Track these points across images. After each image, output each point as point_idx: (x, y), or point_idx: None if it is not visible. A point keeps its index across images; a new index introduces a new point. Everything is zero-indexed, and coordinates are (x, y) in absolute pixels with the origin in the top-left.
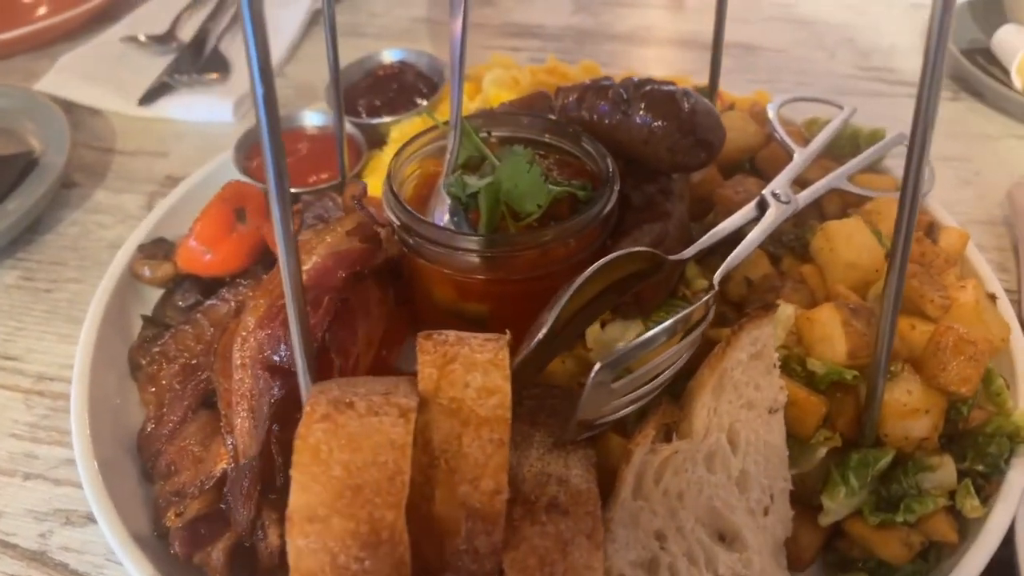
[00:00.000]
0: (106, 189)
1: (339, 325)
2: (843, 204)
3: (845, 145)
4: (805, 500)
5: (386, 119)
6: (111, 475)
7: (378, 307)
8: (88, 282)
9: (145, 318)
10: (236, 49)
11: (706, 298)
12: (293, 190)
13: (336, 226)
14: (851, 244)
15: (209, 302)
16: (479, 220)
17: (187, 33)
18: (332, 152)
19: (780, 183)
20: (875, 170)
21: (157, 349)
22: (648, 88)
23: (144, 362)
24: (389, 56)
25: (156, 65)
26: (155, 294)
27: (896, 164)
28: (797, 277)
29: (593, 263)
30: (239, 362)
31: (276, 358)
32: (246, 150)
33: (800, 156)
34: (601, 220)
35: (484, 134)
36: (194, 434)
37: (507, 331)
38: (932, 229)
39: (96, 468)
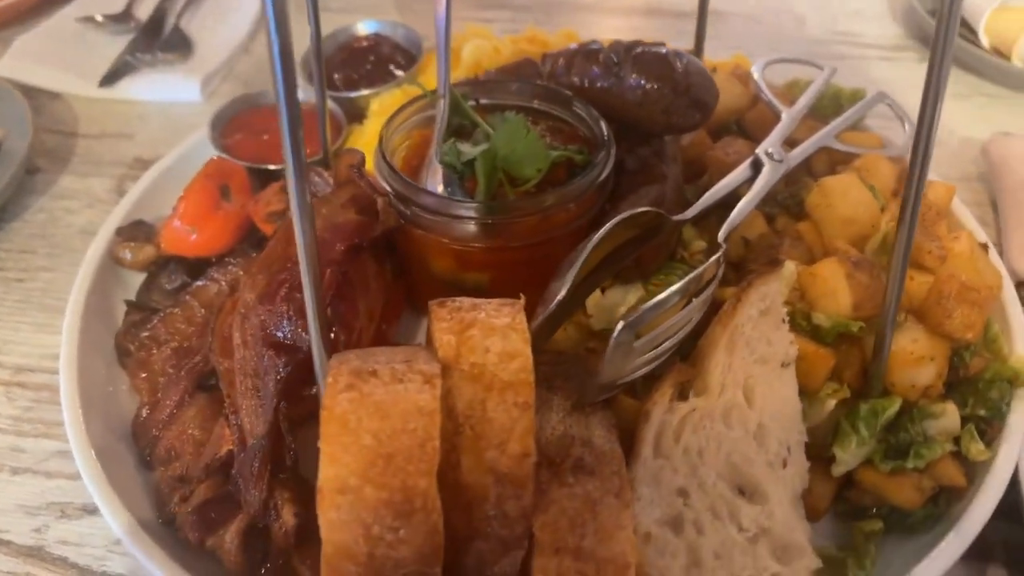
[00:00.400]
0: (72, 174)
1: (340, 299)
2: (831, 162)
3: (828, 105)
4: (816, 452)
5: (365, 92)
6: (109, 464)
7: (376, 280)
8: (61, 270)
9: (129, 303)
10: (196, 26)
11: (716, 256)
12: (273, 167)
13: (331, 198)
14: (847, 199)
15: (198, 283)
16: (475, 188)
17: (144, 12)
18: (311, 128)
19: (772, 142)
20: (857, 128)
21: (146, 334)
22: (639, 51)
23: (133, 348)
24: (364, 28)
25: (114, 45)
26: (135, 278)
27: (876, 123)
28: (794, 235)
29: (592, 228)
30: (240, 340)
31: (279, 334)
32: (221, 127)
33: (788, 116)
34: (600, 184)
35: (472, 102)
36: (193, 418)
37: (521, 296)
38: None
39: (94, 458)
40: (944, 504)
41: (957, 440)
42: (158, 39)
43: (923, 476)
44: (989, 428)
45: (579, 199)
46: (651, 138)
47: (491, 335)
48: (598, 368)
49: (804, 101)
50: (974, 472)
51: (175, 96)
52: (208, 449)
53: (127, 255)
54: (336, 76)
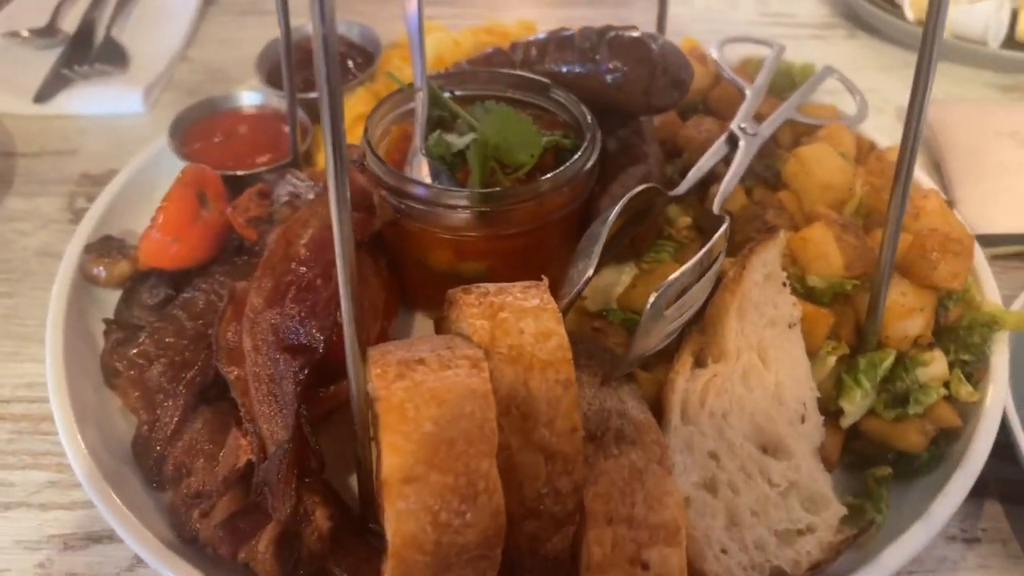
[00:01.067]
0: (17, 195)
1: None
2: (794, 135)
3: (781, 81)
4: (822, 407)
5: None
6: (120, 489)
7: (375, 278)
8: (22, 295)
9: (108, 322)
10: (129, 35)
11: (723, 228)
12: (240, 172)
13: (324, 197)
14: (824, 166)
15: (184, 295)
16: (465, 179)
17: (70, 24)
18: (274, 132)
19: (743, 117)
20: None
21: (135, 351)
22: (613, 35)
23: (121, 367)
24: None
25: (44, 60)
26: (109, 296)
27: (821, 97)
28: (776, 204)
29: (582, 213)
30: (251, 346)
31: (292, 337)
32: (180, 135)
33: (752, 92)
34: (591, 167)
35: (447, 94)
36: (200, 431)
37: (543, 277)
38: (873, 149)
39: (106, 484)
40: (944, 445)
41: (946, 385)
42: (91, 50)
43: (924, 421)
44: (975, 372)
45: (572, 183)
46: (629, 120)
47: (524, 317)
48: (627, 342)
49: (763, 77)
50: (967, 414)
51: (116, 108)
52: (223, 461)
53: (100, 272)
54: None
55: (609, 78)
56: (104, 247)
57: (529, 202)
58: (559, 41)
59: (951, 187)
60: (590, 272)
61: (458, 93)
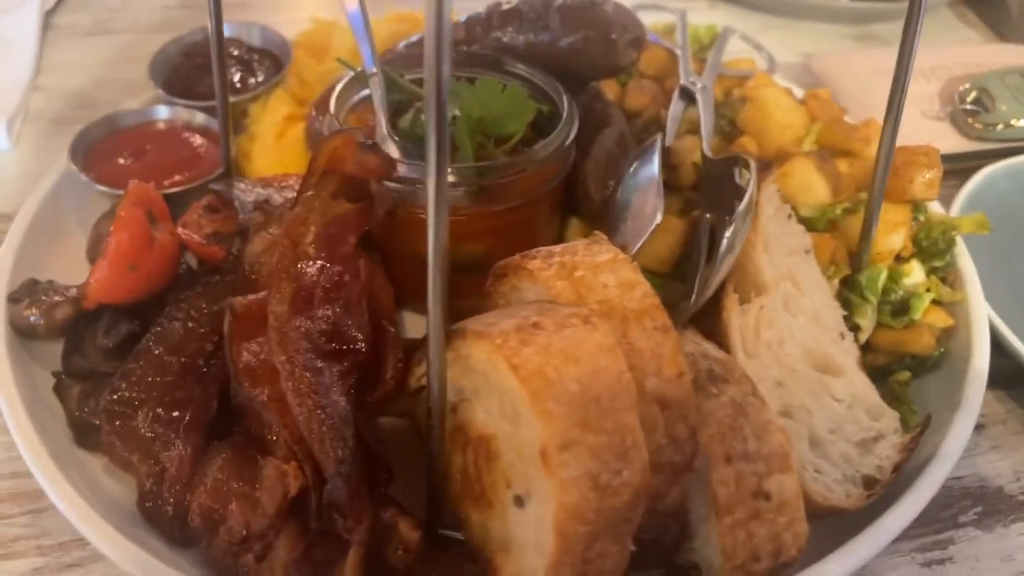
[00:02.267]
0: None
1: (372, 293)
2: (723, 88)
3: (691, 42)
4: None
5: (245, 96)
6: (160, 557)
7: (378, 271)
8: None
9: (60, 375)
10: None
11: (754, 171)
12: (175, 189)
13: (318, 191)
14: (781, 108)
15: (156, 329)
16: (451, 156)
17: None
18: (188, 145)
19: (687, 74)
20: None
21: (111, 400)
22: (560, 2)
23: (100, 421)
24: (201, 34)
25: None
26: (44, 348)
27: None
28: (741, 149)
29: (565, 183)
30: (285, 359)
31: (331, 342)
32: (83, 158)
33: (682, 52)
34: (575, 134)
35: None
36: (223, 471)
37: (595, 231)
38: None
39: (142, 555)
40: (945, 344)
41: (927, 291)
42: None
43: (926, 324)
44: (946, 276)
45: (563, 150)
46: (582, 86)
47: (601, 271)
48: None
49: (682, 38)
50: (955, 313)
51: None
52: (267, 496)
53: (38, 320)
54: (200, 87)
55: (567, 44)
56: (32, 292)
57: (525, 173)
58: (503, 15)
59: None
60: (658, 218)
61: (409, 76)
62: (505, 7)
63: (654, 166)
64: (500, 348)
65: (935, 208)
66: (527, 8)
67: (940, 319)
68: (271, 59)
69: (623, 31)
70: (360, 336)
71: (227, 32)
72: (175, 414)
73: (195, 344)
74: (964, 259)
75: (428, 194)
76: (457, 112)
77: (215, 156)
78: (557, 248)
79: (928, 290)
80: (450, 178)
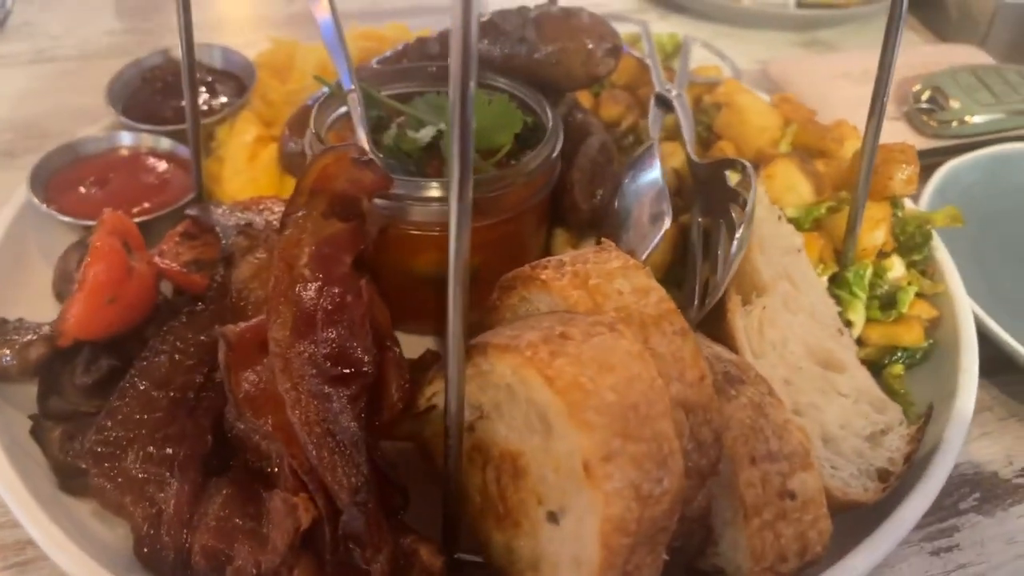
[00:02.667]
0: None
1: (373, 314)
2: (692, 96)
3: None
4: None
5: (211, 119)
6: None
7: (377, 296)
8: None
9: (37, 418)
10: None
11: (750, 167)
12: (145, 217)
13: (309, 211)
14: (756, 111)
15: (139, 363)
16: (437, 172)
17: None
18: (153, 171)
19: (661, 83)
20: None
21: (99, 439)
22: (536, 13)
23: (86, 464)
24: (160, 57)
25: None
26: (19, 390)
27: None
28: (720, 154)
29: (551, 194)
30: (290, 387)
31: (337, 365)
32: (44, 189)
33: (652, 61)
34: (561, 144)
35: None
36: (225, 508)
37: (600, 239)
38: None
39: None
40: (932, 335)
41: (909, 284)
42: None
43: (915, 316)
44: (925, 269)
45: (551, 161)
46: (559, 97)
47: (614, 278)
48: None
49: (649, 47)
50: (938, 305)
51: None
52: (277, 530)
53: (9, 361)
54: (166, 111)
55: (544, 55)
56: (1, 331)
57: (515, 185)
58: (479, 27)
59: None
60: (666, 224)
61: (385, 93)
62: (480, 20)
63: (654, 172)
64: (531, 361)
65: (909, 204)
66: (502, 20)
67: (925, 311)
68: (234, 80)
69: (600, 40)
70: (366, 358)
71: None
72: (168, 451)
73: (183, 377)
74: (941, 252)
75: (451, 210)
76: (443, 126)
77: (183, 182)
78: (566, 257)
79: (910, 283)
80: (440, 192)
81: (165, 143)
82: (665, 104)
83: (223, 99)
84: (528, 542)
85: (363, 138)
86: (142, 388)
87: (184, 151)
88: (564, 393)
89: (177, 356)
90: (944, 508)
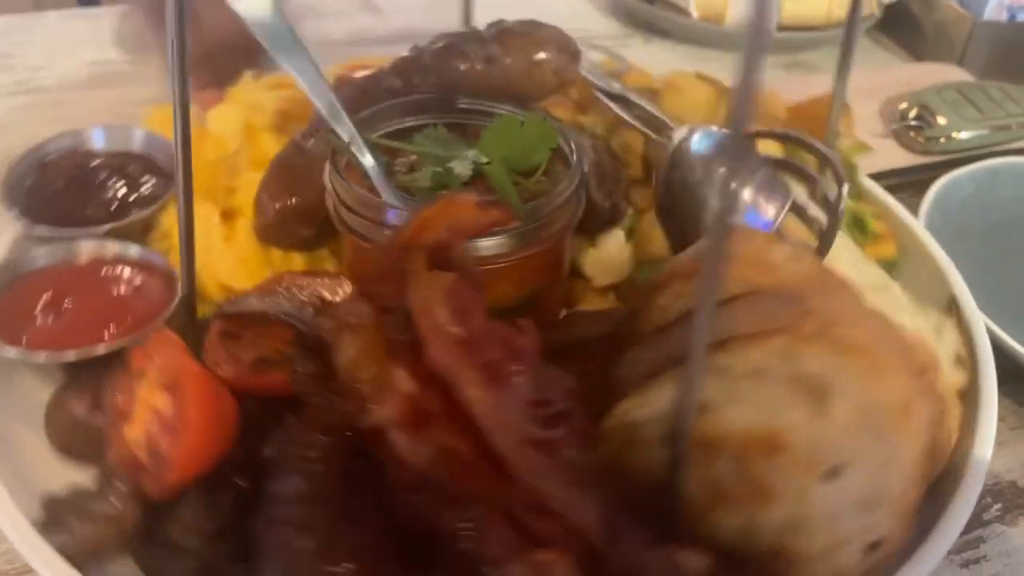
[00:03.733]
0: None
1: None
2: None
3: None
4: None
5: (153, 207)
6: None
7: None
8: None
9: None
10: None
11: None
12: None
13: (416, 270)
14: (695, 87)
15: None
16: None
17: None
18: (117, 282)
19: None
20: None
21: None
22: (497, 29)
23: None
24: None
25: None
26: None
27: None
28: None
29: None
30: (508, 448)
31: (543, 407)
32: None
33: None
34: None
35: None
36: None
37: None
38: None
39: None
40: None
41: None
42: None
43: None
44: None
45: (584, 174)
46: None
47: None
48: None
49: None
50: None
51: None
52: None
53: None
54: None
55: (515, 67)
56: (62, 511)
57: (564, 207)
58: (437, 53)
59: None
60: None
61: (376, 136)
62: (436, 46)
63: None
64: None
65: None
66: (462, 41)
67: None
68: (144, 161)
69: (565, 46)
70: (561, 390)
71: (99, 141)
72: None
73: (331, 487)
74: (945, 262)
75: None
76: (483, 158)
77: (155, 286)
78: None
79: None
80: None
81: (134, 250)
82: (617, 99)
83: (151, 182)
84: (784, 511)
85: (381, 186)
86: (294, 513)
87: (150, 255)
88: (850, 353)
89: (311, 467)
90: (969, 520)
